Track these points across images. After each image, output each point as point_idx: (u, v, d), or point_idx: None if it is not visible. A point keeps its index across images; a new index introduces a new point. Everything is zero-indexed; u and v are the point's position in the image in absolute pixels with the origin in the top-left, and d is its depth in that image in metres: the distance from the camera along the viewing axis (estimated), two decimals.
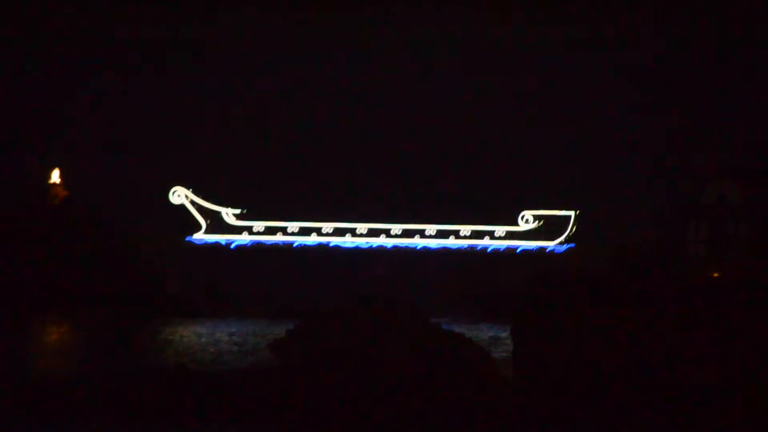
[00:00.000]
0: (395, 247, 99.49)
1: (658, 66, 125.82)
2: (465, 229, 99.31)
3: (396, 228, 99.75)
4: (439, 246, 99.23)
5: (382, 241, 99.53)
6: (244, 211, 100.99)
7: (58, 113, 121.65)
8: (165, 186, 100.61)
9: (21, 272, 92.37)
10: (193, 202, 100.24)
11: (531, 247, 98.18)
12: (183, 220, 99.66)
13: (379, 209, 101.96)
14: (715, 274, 58.08)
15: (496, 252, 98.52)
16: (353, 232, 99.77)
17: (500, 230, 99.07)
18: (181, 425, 44.05)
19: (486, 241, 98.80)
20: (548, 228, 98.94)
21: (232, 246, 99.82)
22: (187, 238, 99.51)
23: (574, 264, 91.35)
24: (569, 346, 48.30)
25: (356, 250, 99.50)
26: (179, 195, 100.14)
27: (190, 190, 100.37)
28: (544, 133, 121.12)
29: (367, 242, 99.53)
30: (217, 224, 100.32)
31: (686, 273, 57.53)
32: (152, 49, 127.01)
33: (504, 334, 75.98)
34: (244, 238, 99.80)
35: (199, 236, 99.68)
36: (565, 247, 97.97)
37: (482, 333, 79.69)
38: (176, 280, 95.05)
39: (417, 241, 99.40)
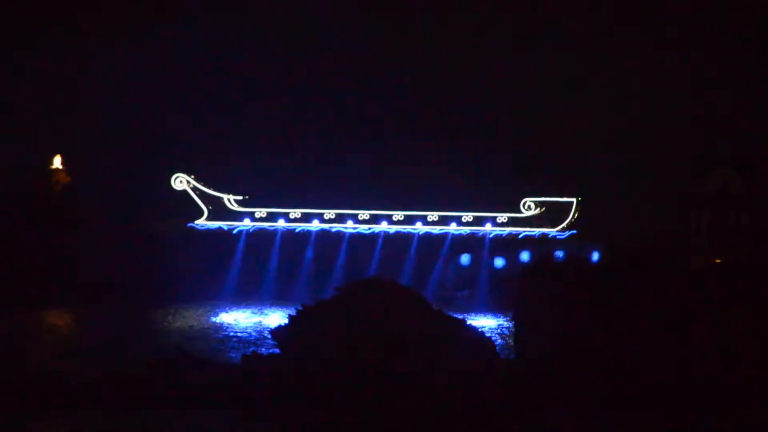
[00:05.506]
0: (397, 233, 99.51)
1: (660, 55, 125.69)
2: (467, 216, 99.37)
3: (398, 214, 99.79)
4: (441, 232, 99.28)
5: (384, 227, 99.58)
6: (246, 197, 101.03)
7: (60, 99, 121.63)
8: (167, 172, 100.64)
9: (22, 259, 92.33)
10: (195, 189, 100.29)
11: (533, 234, 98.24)
12: (185, 206, 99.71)
13: (381, 195, 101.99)
14: (717, 260, 58.19)
15: (498, 238, 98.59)
16: (355, 218, 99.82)
17: (502, 216, 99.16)
18: (182, 413, 44.15)
19: (488, 228, 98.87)
20: (550, 214, 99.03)
21: (234, 232, 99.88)
22: (190, 224, 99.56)
23: (575, 251, 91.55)
24: (570, 333, 48.39)
25: (358, 236, 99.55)
26: (181, 181, 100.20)
27: (192, 176, 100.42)
28: (546, 120, 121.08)
29: (369, 228, 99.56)
30: (219, 210, 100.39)
31: (688, 261, 57.65)
32: (154, 38, 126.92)
33: (506, 321, 76.20)
34: (246, 224, 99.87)
35: (202, 222, 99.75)
36: (567, 233, 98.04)
37: (485, 319, 79.85)
38: (178, 266, 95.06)
39: (419, 228, 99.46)
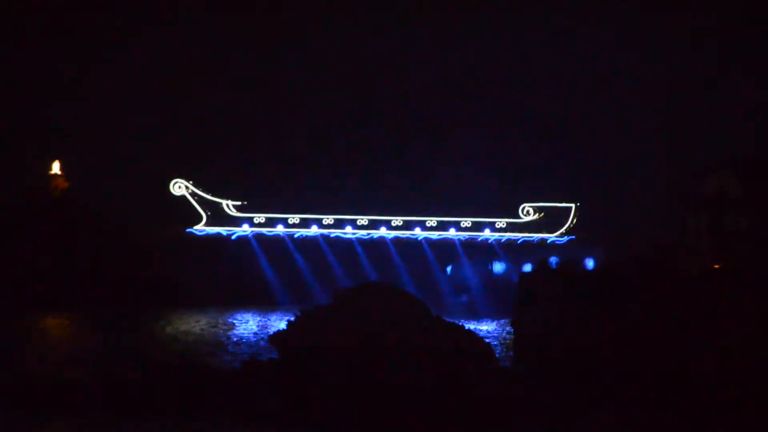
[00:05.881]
0: (396, 239, 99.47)
1: (659, 58, 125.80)
2: (466, 221, 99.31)
3: (397, 219, 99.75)
4: (440, 237, 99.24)
5: (382, 232, 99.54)
6: (245, 203, 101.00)
7: (59, 105, 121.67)
8: (166, 178, 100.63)
9: (21, 265, 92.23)
10: (193, 194, 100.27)
11: (532, 239, 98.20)
12: (184, 211, 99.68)
13: (380, 201, 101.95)
14: (716, 266, 58.08)
15: (497, 243, 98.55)
16: (354, 224, 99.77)
17: (501, 222, 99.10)
18: (182, 418, 44.08)
19: (487, 233, 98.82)
20: (549, 220, 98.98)
21: (233, 237, 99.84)
22: (188, 230, 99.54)
23: (574, 256, 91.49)
24: (570, 337, 48.36)
25: (357, 242, 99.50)
26: (180, 187, 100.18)
27: (191, 181, 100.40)
28: (545, 126, 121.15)
29: (368, 233, 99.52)
30: (218, 216, 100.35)
31: (687, 264, 57.53)
32: (153, 41, 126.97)
33: (505, 324, 76.12)
34: (245, 230, 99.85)
35: (200, 228, 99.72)
36: (565, 238, 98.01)
37: (483, 324, 79.80)
38: (177, 272, 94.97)
39: (418, 233, 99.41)
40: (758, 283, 47.30)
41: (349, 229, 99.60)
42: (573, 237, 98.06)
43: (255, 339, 70.25)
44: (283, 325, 51.58)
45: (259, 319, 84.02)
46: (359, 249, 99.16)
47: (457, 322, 51.16)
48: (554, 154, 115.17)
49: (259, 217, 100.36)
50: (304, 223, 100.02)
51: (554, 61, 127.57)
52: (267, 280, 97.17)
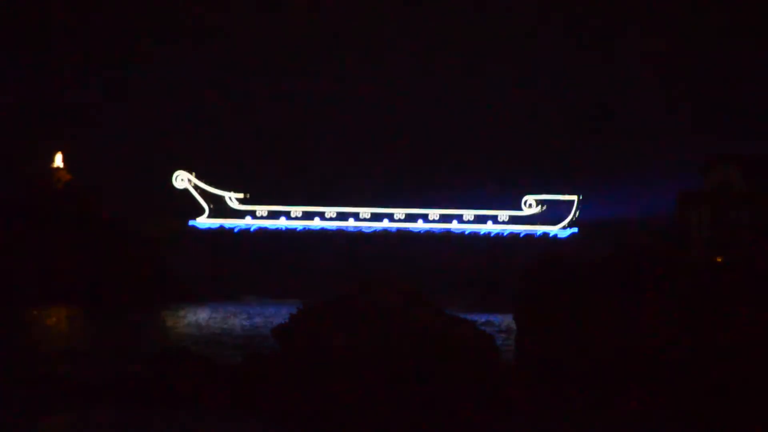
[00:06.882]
0: (398, 231, 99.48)
1: (663, 51, 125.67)
2: (468, 214, 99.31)
3: (399, 212, 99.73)
4: (442, 230, 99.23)
5: (385, 225, 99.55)
6: (247, 196, 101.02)
7: (63, 98, 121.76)
8: (168, 170, 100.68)
9: (23, 257, 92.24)
10: (196, 187, 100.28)
11: (534, 232, 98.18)
12: (186, 204, 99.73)
13: (382, 194, 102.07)
14: (719, 259, 57.99)
15: (499, 236, 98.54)
16: (356, 217, 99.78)
17: (503, 215, 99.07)
18: (184, 412, 44.13)
19: (489, 226, 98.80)
20: (551, 212, 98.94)
21: (236, 230, 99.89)
22: (190, 223, 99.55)
23: (577, 249, 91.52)
24: (572, 331, 48.35)
25: (359, 234, 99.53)
26: (182, 179, 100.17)
27: (194, 174, 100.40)
28: (546, 119, 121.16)
29: (371, 226, 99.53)
30: (220, 208, 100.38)
31: (689, 258, 57.47)
32: (157, 35, 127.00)
33: (507, 319, 76.14)
34: (248, 222, 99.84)
35: (203, 220, 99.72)
36: (568, 231, 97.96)
37: (485, 318, 79.79)
38: (180, 264, 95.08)
39: (420, 226, 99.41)
40: (760, 277, 47.30)
41: (351, 221, 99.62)
42: (576, 230, 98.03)
43: (257, 332, 70.28)
44: (285, 319, 51.57)
45: (261, 312, 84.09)
46: (361, 242, 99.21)
47: (459, 315, 51.12)
48: (557, 146, 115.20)
49: (262, 210, 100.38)
50: (307, 216, 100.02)
51: (558, 51, 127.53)
52: (269, 272, 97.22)
